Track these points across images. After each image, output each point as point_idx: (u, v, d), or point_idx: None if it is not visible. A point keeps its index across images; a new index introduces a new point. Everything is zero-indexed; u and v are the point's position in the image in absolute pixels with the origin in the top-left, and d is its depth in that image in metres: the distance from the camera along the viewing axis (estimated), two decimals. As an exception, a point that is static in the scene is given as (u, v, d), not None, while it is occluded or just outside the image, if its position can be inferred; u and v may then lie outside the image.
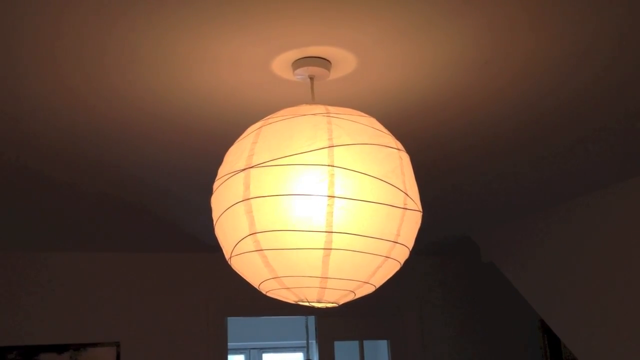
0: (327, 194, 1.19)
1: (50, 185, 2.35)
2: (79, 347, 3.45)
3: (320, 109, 1.31)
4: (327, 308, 1.36)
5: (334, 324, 4.03)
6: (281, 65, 1.48)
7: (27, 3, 1.19)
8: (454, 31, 1.36)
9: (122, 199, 2.59)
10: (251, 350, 6.01)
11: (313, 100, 1.45)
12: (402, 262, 1.33)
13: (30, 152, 1.99)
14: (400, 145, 1.34)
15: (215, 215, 1.34)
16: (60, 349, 3.42)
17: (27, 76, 1.49)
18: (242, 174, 1.26)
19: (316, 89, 1.59)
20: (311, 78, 1.47)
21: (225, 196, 1.29)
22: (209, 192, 1.37)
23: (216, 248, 1.41)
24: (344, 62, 1.48)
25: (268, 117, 1.34)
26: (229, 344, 3.81)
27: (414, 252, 1.39)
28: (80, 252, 3.59)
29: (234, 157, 1.31)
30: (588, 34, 1.41)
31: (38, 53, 1.38)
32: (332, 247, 1.21)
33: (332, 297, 1.31)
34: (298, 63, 1.45)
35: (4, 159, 2.04)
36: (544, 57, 1.51)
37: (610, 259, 2.78)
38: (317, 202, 1.20)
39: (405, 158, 1.33)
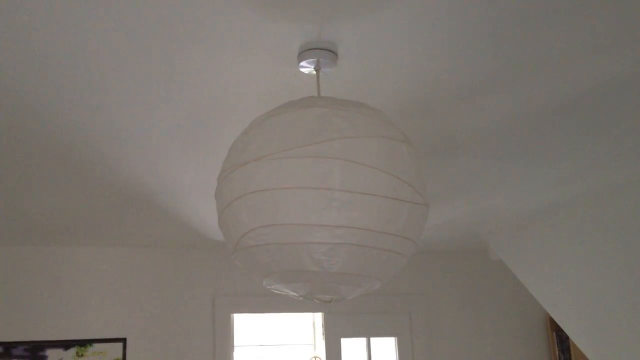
0: (332, 187, 1.18)
1: (56, 179, 2.34)
2: (85, 343, 3.45)
3: (325, 101, 1.29)
4: (332, 303, 1.34)
5: (341, 321, 4.01)
6: (287, 57, 1.46)
7: None
8: (463, 20, 1.34)
9: (129, 193, 2.58)
10: (257, 347, 6.00)
11: (319, 92, 1.44)
12: (409, 256, 1.31)
13: (33, 144, 1.98)
14: (407, 138, 1.31)
15: (219, 208, 1.32)
16: (66, 344, 3.42)
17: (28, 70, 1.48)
18: (245, 167, 1.24)
19: (322, 81, 1.58)
20: (317, 70, 1.46)
21: (229, 189, 1.28)
22: (215, 187, 1.36)
23: (223, 244, 1.40)
24: (351, 54, 1.45)
25: (273, 109, 1.32)
26: (235, 340, 3.79)
27: (422, 249, 1.37)
28: (86, 247, 3.59)
29: (238, 149, 1.30)
30: None
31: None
32: (337, 241, 1.19)
33: (338, 291, 1.29)
34: (304, 55, 1.43)
35: (5, 151, 2.03)
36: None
37: (620, 257, 2.75)
38: (322, 196, 1.18)
39: (412, 151, 1.31)
